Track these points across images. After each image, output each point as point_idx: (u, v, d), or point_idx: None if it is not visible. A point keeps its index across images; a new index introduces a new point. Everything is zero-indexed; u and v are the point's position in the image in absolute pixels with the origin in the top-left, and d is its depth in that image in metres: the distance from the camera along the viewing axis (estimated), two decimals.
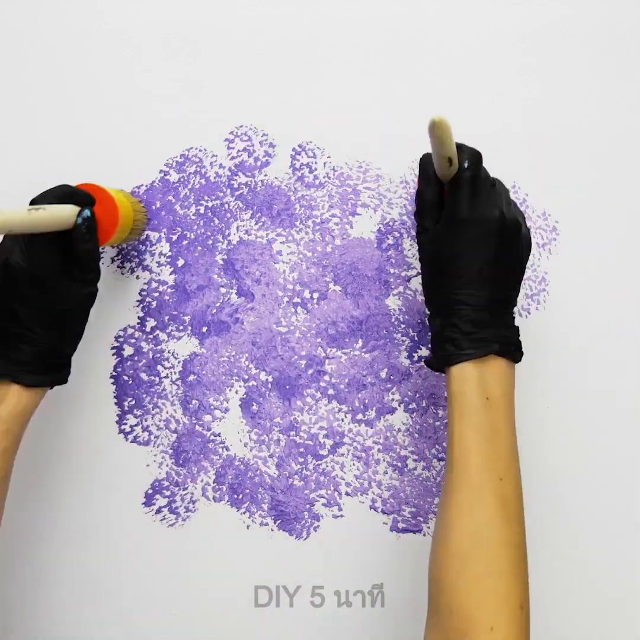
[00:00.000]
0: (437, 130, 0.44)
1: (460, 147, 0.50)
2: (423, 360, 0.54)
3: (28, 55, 0.65)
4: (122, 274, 0.65)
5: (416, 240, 0.55)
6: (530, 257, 0.61)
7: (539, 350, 0.62)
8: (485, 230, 0.49)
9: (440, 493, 0.63)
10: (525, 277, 0.61)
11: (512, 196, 0.62)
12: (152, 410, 0.64)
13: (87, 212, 0.51)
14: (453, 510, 0.46)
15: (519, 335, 0.51)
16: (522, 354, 0.51)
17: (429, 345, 0.60)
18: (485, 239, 0.49)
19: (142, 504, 0.64)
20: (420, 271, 0.55)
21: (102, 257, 0.64)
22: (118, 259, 0.65)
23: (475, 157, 0.49)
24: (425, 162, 0.52)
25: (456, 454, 0.47)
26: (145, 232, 0.65)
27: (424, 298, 0.54)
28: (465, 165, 0.49)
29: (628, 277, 0.63)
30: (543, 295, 0.63)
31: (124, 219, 0.58)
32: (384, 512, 0.63)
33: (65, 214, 0.50)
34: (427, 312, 0.53)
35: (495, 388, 0.48)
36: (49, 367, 0.53)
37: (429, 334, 0.62)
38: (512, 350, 0.50)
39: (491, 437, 0.47)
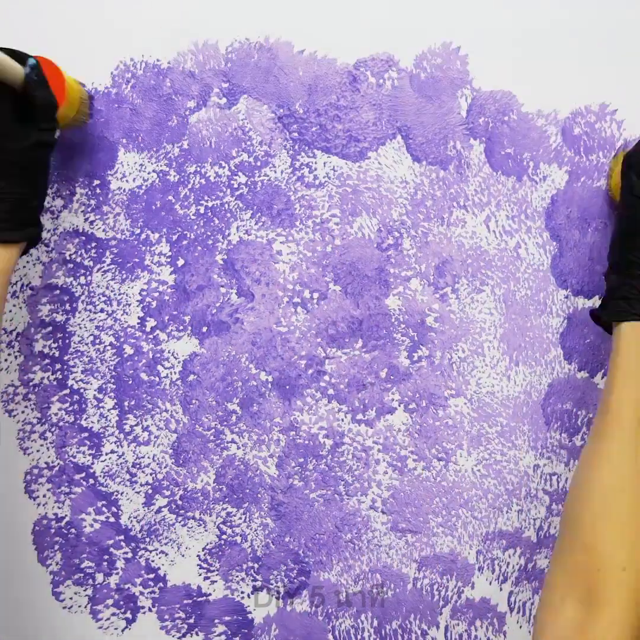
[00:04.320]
0: None
1: None
2: (590, 311, 0.56)
3: None
4: (122, 273, 0.65)
5: (621, 196, 0.57)
6: None
7: None
8: None
9: (439, 493, 0.63)
10: None
11: None
12: (152, 410, 0.64)
13: (32, 60, 0.51)
14: (603, 454, 0.49)
15: None
16: None
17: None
18: None
19: (142, 504, 0.64)
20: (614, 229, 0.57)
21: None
22: (117, 263, 0.65)
23: None
24: None
25: (613, 404, 0.49)
26: (146, 232, 0.65)
27: (608, 251, 0.56)
28: None
29: None
30: None
31: (71, 94, 0.58)
32: (384, 512, 0.63)
33: (13, 64, 0.49)
34: (607, 267, 0.55)
35: None
36: (20, 222, 0.52)
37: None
38: None
39: None
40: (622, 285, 0.52)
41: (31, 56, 0.52)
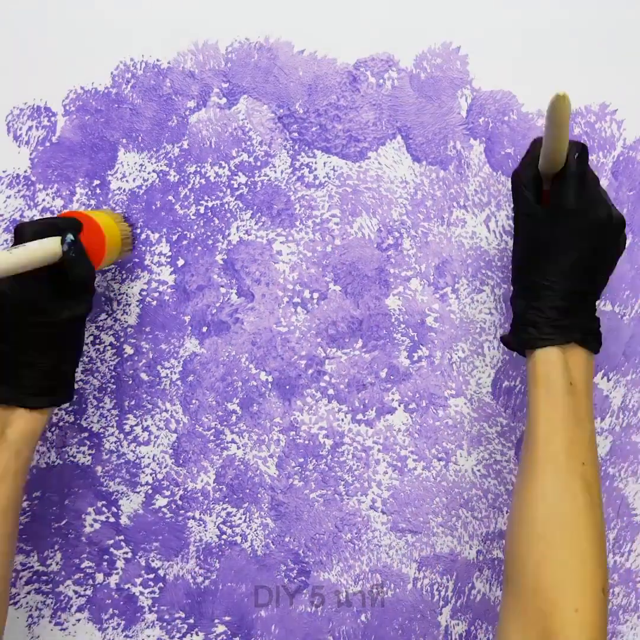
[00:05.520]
0: (558, 107, 0.43)
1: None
2: (500, 337, 0.54)
3: None
4: (122, 273, 0.65)
5: (513, 218, 0.55)
6: None
7: None
8: (593, 224, 0.49)
9: (439, 493, 0.63)
10: None
11: None
12: (152, 410, 0.64)
13: (70, 237, 0.50)
14: (537, 491, 0.46)
15: (599, 327, 0.51)
16: (600, 345, 0.51)
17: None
18: (589, 232, 0.49)
19: (142, 504, 0.64)
20: (511, 250, 0.54)
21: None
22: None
23: (585, 150, 0.49)
24: (533, 146, 0.52)
25: (541, 435, 0.47)
26: (146, 232, 0.65)
27: (511, 277, 0.54)
28: (576, 156, 0.49)
29: None
30: None
31: (112, 241, 0.57)
32: (383, 512, 0.63)
33: (49, 247, 0.49)
34: (512, 291, 0.54)
35: (577, 375, 0.49)
36: (51, 388, 0.53)
37: (422, 333, 0.62)
38: (591, 341, 0.50)
39: (575, 422, 0.47)
40: (529, 310, 0.50)
41: (73, 226, 0.51)
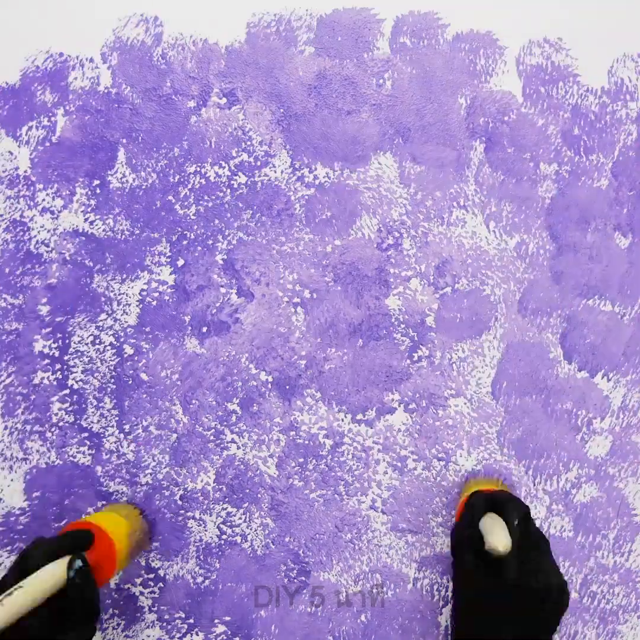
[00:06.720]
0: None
1: (508, 503, 0.48)
2: None
3: None
4: (122, 273, 0.65)
5: (455, 572, 0.50)
6: None
7: None
8: (535, 595, 0.46)
9: (439, 493, 0.63)
10: None
11: None
12: (152, 410, 0.64)
13: (78, 563, 0.47)
14: None
15: None
16: None
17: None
18: (532, 603, 0.46)
19: (142, 503, 0.64)
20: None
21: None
22: (117, 263, 0.65)
23: (527, 513, 0.47)
24: (473, 506, 0.50)
25: None
26: (146, 232, 0.65)
27: (451, 623, 0.50)
28: (516, 523, 0.47)
29: None
30: None
31: (123, 554, 0.54)
32: (384, 512, 0.63)
33: (52, 576, 0.45)
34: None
35: None
36: None
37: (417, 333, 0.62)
38: None
39: None
40: None
41: (83, 556, 0.48)
